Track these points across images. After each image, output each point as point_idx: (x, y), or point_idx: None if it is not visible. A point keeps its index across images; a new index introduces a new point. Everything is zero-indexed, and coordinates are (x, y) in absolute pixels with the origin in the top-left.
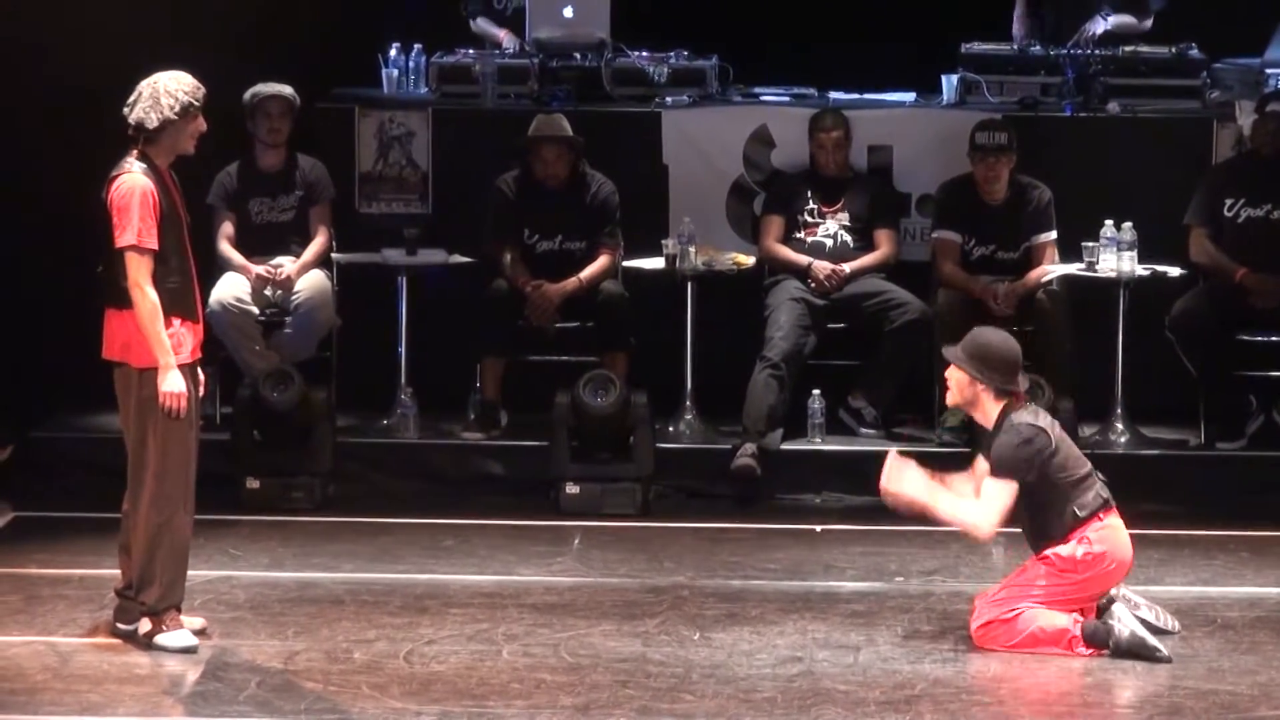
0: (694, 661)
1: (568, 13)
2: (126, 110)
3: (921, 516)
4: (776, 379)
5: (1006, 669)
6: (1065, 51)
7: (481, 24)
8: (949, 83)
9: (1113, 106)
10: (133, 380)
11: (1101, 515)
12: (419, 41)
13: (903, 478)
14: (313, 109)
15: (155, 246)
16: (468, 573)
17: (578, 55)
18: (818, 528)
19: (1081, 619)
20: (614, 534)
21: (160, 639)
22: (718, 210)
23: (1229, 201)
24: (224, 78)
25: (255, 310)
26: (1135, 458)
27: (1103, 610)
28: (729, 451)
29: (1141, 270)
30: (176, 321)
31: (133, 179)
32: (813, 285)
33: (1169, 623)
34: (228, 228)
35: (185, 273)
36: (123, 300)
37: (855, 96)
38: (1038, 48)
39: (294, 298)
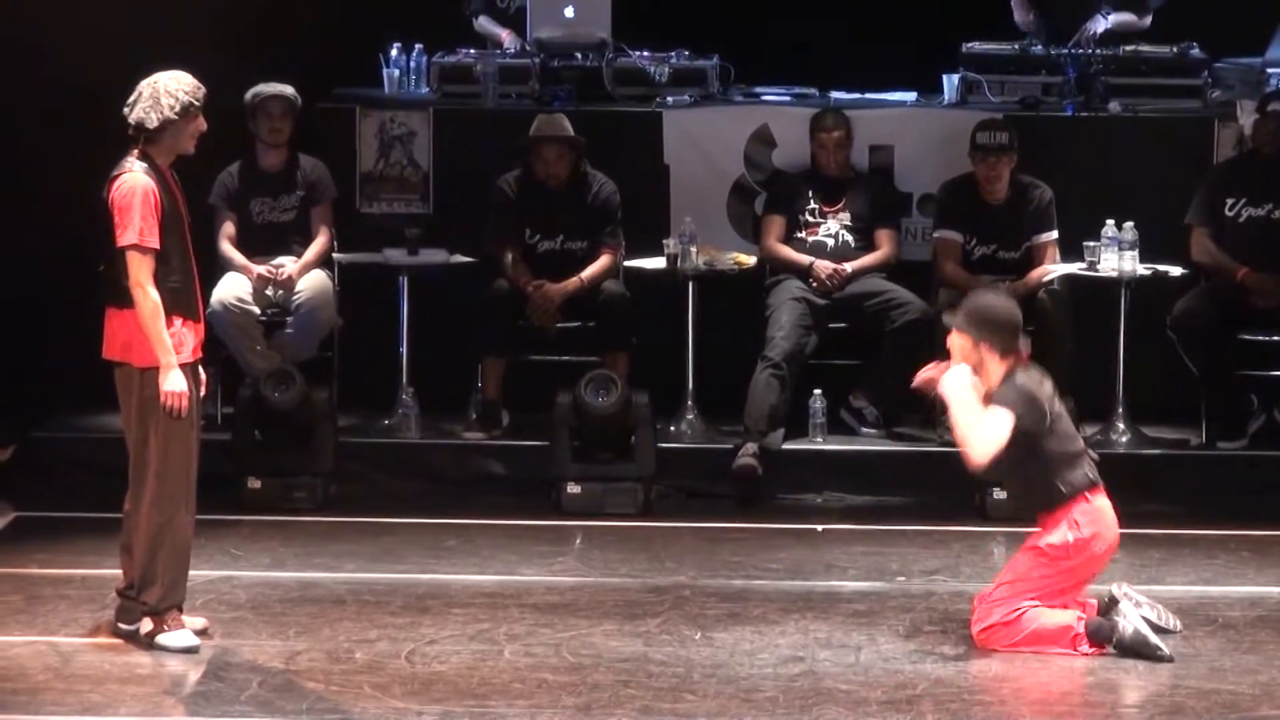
0: (695, 661)
1: (569, 12)
2: (126, 110)
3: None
4: (778, 379)
5: (1008, 669)
6: (1066, 51)
7: (483, 23)
8: (950, 82)
9: (1114, 106)
10: (134, 380)
11: (1088, 495)
12: (420, 41)
13: (951, 371)
14: (314, 109)
15: (157, 245)
16: (469, 572)
17: (579, 55)
18: (819, 527)
19: (1085, 617)
20: (615, 534)
21: (162, 639)
22: (719, 210)
23: (1230, 201)
24: (225, 78)
25: (256, 310)
26: (1136, 457)
27: (1106, 608)
28: (730, 451)
29: (1143, 270)
30: (178, 321)
31: (134, 178)
32: (814, 285)
33: (1171, 622)
34: (229, 228)
35: (187, 272)
36: (124, 299)
37: (856, 96)
38: (1039, 47)
39: (295, 298)
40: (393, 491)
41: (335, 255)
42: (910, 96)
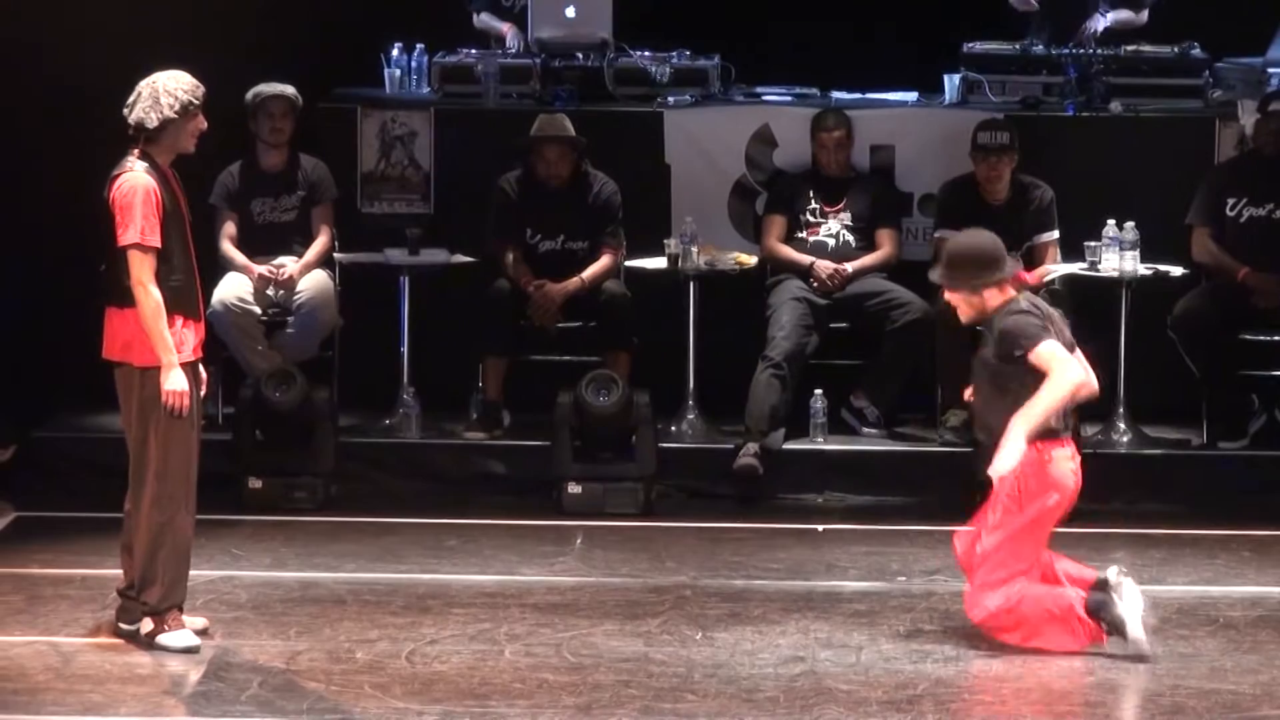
0: (696, 661)
1: (570, 12)
2: (126, 110)
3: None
4: (779, 378)
5: (1008, 668)
6: (1067, 51)
7: (485, 19)
8: (951, 82)
9: (1115, 106)
10: (134, 380)
11: (1039, 444)
12: (421, 41)
13: (1001, 459)
14: (315, 109)
15: (158, 244)
16: (470, 572)
17: (580, 55)
18: (820, 527)
19: (1085, 594)
20: (616, 534)
21: (162, 639)
22: (720, 210)
23: (1231, 201)
24: (226, 78)
25: (257, 310)
26: (1137, 457)
27: (1101, 587)
28: (731, 451)
29: (1144, 270)
30: (178, 320)
31: (135, 177)
32: (815, 285)
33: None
34: (230, 228)
35: (188, 271)
36: (124, 299)
37: (857, 96)
38: (1039, 47)
39: (296, 297)
40: (394, 491)
41: (336, 255)
42: (911, 96)
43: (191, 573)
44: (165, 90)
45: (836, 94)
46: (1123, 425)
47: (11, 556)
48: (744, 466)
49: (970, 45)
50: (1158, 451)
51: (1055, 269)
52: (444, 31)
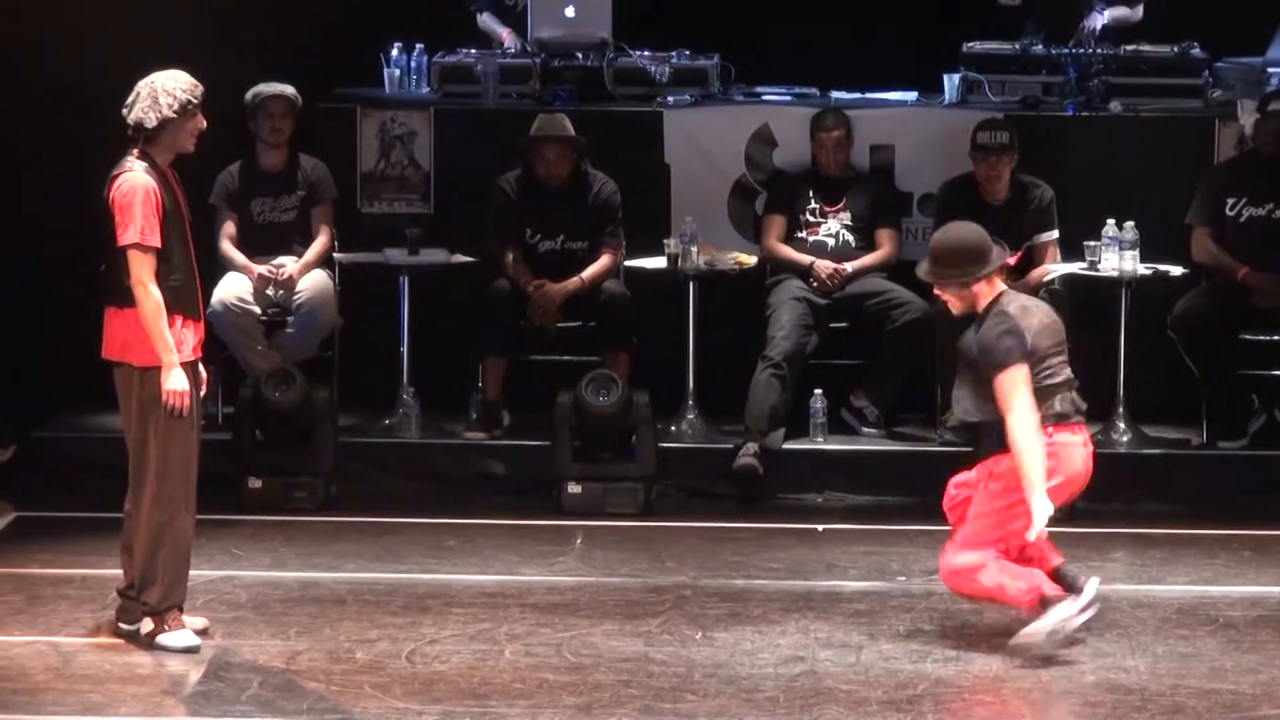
0: (696, 661)
1: (569, 12)
2: (125, 111)
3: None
4: (778, 378)
5: (1008, 668)
6: (1067, 51)
7: (486, 20)
8: (951, 82)
9: (1114, 106)
10: (134, 380)
11: (1050, 430)
12: (420, 41)
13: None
14: (314, 109)
15: (158, 244)
16: (470, 572)
17: (579, 55)
18: (820, 527)
19: (1047, 594)
20: (616, 533)
21: (162, 639)
22: (719, 210)
23: (1231, 201)
24: (225, 78)
25: (257, 310)
26: (1137, 457)
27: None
28: (731, 451)
29: (1143, 269)
30: (178, 320)
31: (135, 177)
32: (814, 285)
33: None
34: (230, 227)
35: (187, 271)
36: (124, 299)
37: (857, 96)
38: (1039, 47)
39: (296, 297)
40: (393, 491)
41: (336, 255)
42: (911, 96)
43: (191, 573)
44: (164, 90)
45: (836, 94)
46: (1122, 425)
47: (11, 556)
48: (744, 466)
49: (970, 45)
50: (1157, 451)
51: (1055, 269)
52: (443, 31)
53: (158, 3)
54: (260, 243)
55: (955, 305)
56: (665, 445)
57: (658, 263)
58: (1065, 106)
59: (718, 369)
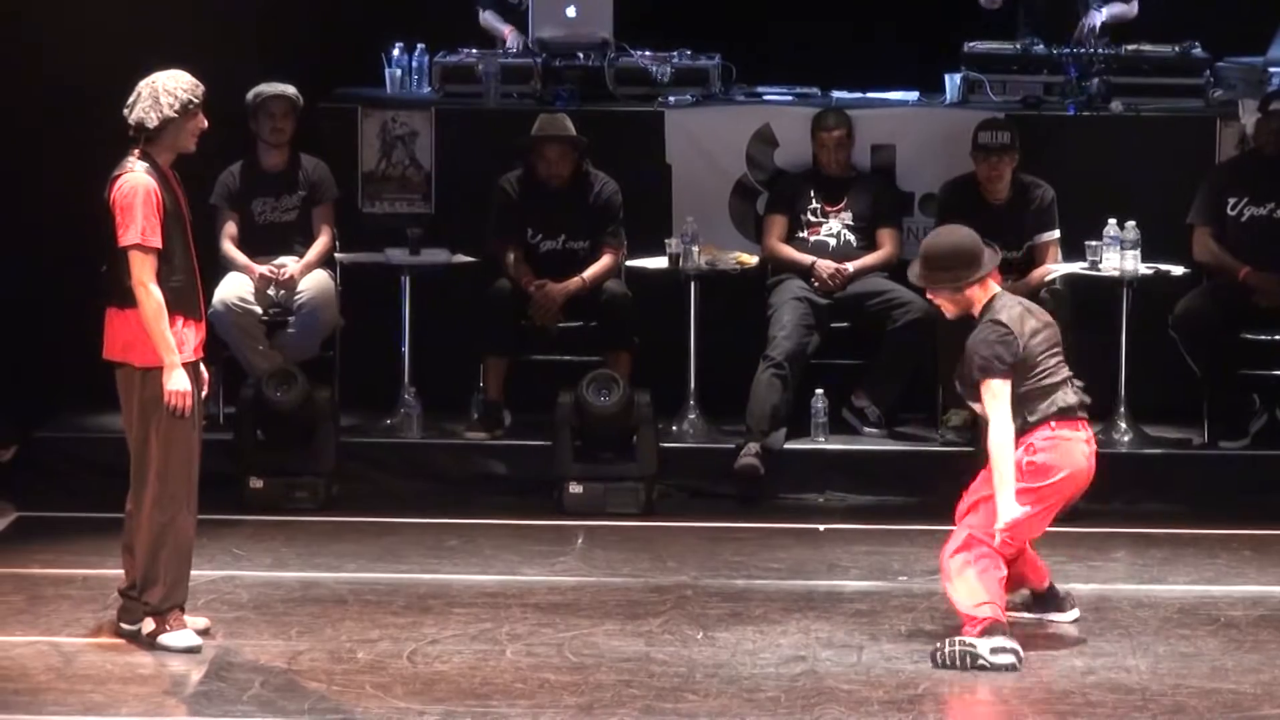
0: (697, 661)
1: (571, 12)
2: (126, 111)
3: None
4: (780, 378)
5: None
6: (1068, 50)
7: (488, 18)
8: (952, 82)
9: (1116, 105)
10: (135, 380)
11: (1053, 424)
12: (422, 41)
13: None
14: (316, 109)
15: (159, 245)
16: (471, 572)
17: (581, 55)
18: (821, 527)
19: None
20: (617, 533)
21: (164, 639)
22: (721, 209)
23: (1232, 200)
24: (226, 78)
25: (258, 310)
26: (1138, 457)
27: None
28: (732, 451)
29: (1145, 269)
30: (179, 320)
31: (135, 178)
32: (816, 284)
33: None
34: (231, 228)
35: (188, 271)
36: (125, 300)
37: (858, 95)
38: (1040, 47)
39: (297, 297)
40: (395, 491)
41: (337, 255)
42: (912, 96)
43: (193, 573)
44: (165, 90)
45: (837, 93)
46: (1124, 425)
47: (12, 556)
48: (745, 466)
49: (971, 45)
50: (1159, 451)
51: (1056, 269)
52: (445, 31)
53: (158, 3)
54: (261, 243)
55: (949, 309)
56: (666, 445)
57: (659, 263)
58: (1066, 106)
59: (719, 369)
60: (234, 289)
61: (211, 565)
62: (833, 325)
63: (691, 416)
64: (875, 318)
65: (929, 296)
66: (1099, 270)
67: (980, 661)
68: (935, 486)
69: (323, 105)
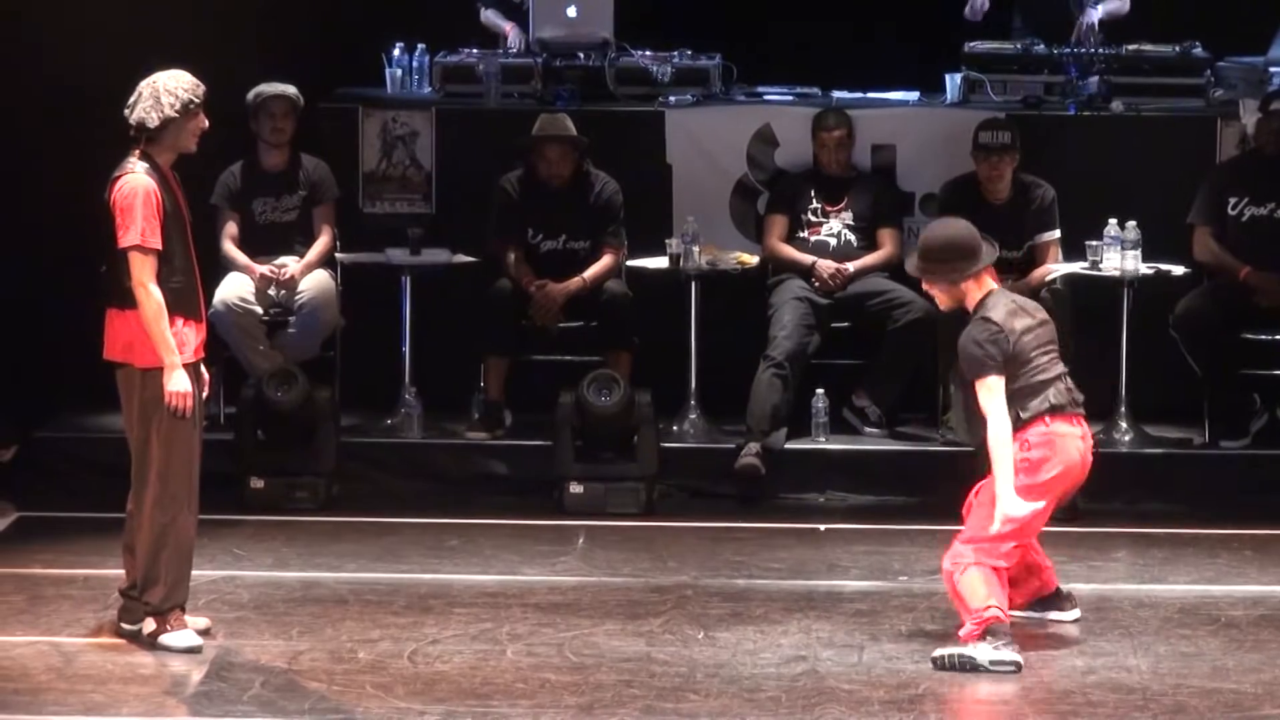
0: (698, 661)
1: (571, 12)
2: (127, 111)
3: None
4: (780, 378)
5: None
6: (1069, 50)
7: (489, 15)
8: (952, 81)
9: (1116, 105)
10: (136, 381)
11: (1047, 419)
12: (422, 41)
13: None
14: (316, 109)
15: (159, 246)
16: (472, 572)
17: (581, 55)
18: (821, 527)
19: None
20: (618, 533)
21: (164, 639)
22: (721, 209)
23: (1233, 200)
24: (227, 78)
25: (259, 310)
26: (1139, 456)
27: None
28: (733, 451)
29: (1145, 269)
30: (179, 321)
31: (135, 179)
32: (816, 284)
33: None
34: (231, 228)
35: (188, 272)
36: (125, 300)
37: (858, 95)
38: (1041, 46)
39: (298, 297)
40: (395, 491)
41: (338, 255)
42: (912, 96)
43: (194, 573)
44: (166, 90)
45: (837, 93)
46: (1124, 424)
47: (13, 556)
48: (746, 466)
49: (971, 44)
50: (1159, 451)
51: (1057, 268)
52: (445, 31)
53: (158, 3)
54: (262, 243)
55: (943, 301)
56: (667, 445)
57: (659, 263)
58: (1067, 106)
59: (719, 369)
60: (235, 289)
61: (212, 565)
62: (833, 325)
63: (692, 416)
64: (876, 318)
65: (924, 287)
66: (1099, 270)
67: (980, 671)
68: (936, 486)
69: (323, 105)
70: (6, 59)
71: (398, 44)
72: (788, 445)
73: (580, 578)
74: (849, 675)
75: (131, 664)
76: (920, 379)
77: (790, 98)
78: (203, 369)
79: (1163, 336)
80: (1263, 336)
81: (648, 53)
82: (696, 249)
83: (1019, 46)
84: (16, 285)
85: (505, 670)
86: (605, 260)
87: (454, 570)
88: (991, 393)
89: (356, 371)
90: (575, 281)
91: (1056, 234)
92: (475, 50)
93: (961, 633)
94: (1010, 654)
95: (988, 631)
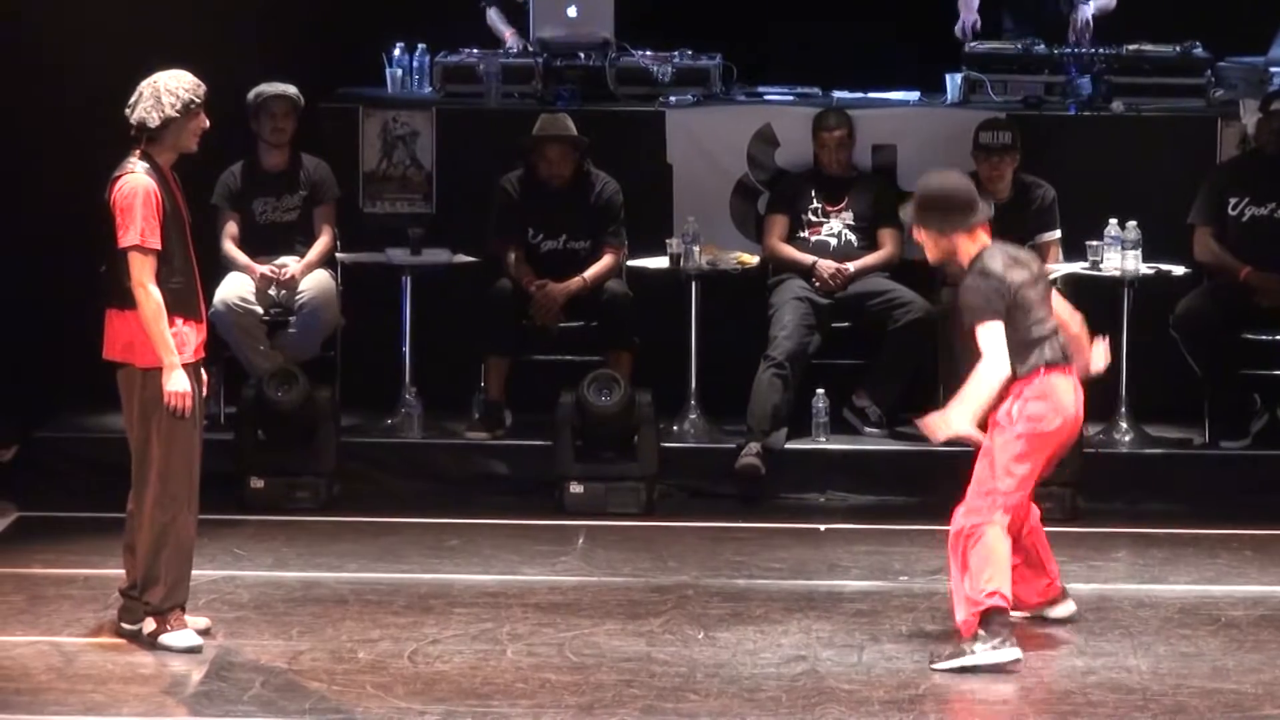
0: (698, 661)
1: (572, 12)
2: (128, 111)
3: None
4: (781, 378)
5: (1010, 668)
6: (1069, 50)
7: (493, 16)
8: (953, 81)
9: (1117, 105)
10: (136, 381)
11: (1043, 371)
12: (423, 41)
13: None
14: (317, 109)
15: (158, 246)
16: (472, 572)
17: (582, 55)
18: (822, 527)
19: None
20: (618, 533)
21: (165, 639)
22: (722, 209)
23: (1233, 200)
24: (227, 78)
25: (260, 310)
26: (1139, 456)
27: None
28: (733, 451)
29: (1146, 269)
30: (179, 321)
31: (135, 179)
32: (817, 284)
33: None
34: (232, 227)
35: (188, 273)
36: (125, 300)
37: (859, 95)
38: (1041, 46)
39: (298, 297)
40: (395, 491)
41: (338, 255)
42: (913, 96)
43: (194, 572)
44: (166, 89)
45: (838, 93)
46: (1125, 424)
47: (13, 556)
48: (746, 466)
49: (972, 45)
50: (1159, 451)
51: (1057, 268)
52: (446, 31)
53: (158, 3)
54: (262, 243)
55: (931, 252)
56: (667, 445)
57: (660, 262)
58: (1067, 106)
59: (720, 369)
60: (235, 289)
61: (212, 565)
62: (834, 325)
63: (692, 416)
64: (876, 317)
65: (913, 234)
66: (1100, 270)
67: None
68: (936, 486)
69: (324, 105)
70: (6, 59)
71: (398, 44)
72: (788, 445)
73: (580, 578)
74: (849, 675)
75: (132, 664)
76: (920, 379)
77: (791, 98)
78: (203, 369)
79: (1163, 336)
80: (1263, 336)
81: (648, 53)
82: (697, 249)
83: (1019, 46)
84: (16, 285)
85: (505, 670)
86: (606, 260)
87: (454, 570)
88: (993, 334)
89: (357, 371)
90: (576, 281)
91: (1057, 234)
92: (476, 50)
93: (959, 618)
94: (1008, 651)
95: (985, 620)
